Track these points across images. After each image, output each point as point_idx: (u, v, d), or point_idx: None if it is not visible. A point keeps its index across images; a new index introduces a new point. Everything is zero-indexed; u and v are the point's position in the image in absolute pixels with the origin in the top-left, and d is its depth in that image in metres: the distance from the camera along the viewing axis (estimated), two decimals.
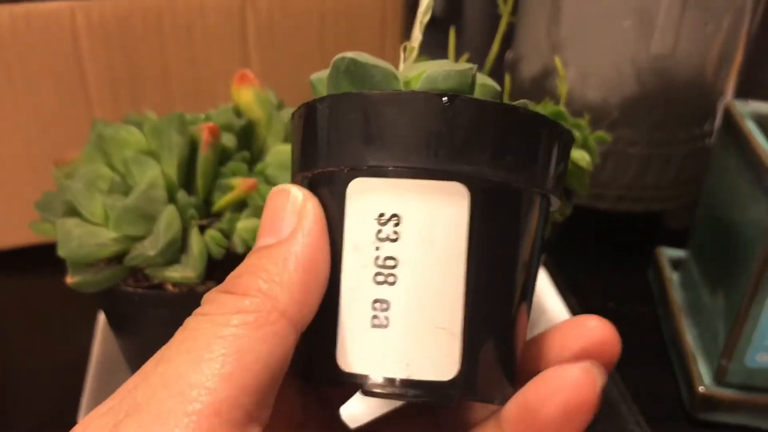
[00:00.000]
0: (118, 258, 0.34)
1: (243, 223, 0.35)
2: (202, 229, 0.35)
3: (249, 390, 0.17)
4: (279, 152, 0.37)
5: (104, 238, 0.33)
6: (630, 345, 0.49)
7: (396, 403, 0.24)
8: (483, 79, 0.21)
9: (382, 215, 0.18)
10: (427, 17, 0.22)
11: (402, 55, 0.22)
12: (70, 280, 0.34)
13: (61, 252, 0.33)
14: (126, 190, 0.34)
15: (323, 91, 0.21)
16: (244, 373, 0.17)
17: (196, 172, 0.35)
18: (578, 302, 0.50)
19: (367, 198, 0.19)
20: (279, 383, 0.18)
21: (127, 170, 0.35)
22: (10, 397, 0.43)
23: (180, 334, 0.18)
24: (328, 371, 0.19)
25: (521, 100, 0.20)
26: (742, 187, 0.42)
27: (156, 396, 0.16)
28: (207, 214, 0.36)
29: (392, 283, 0.18)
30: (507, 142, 0.18)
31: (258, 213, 0.35)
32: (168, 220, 0.33)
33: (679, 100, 0.54)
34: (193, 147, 0.35)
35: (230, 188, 0.35)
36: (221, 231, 0.35)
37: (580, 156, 0.36)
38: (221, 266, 0.35)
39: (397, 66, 0.21)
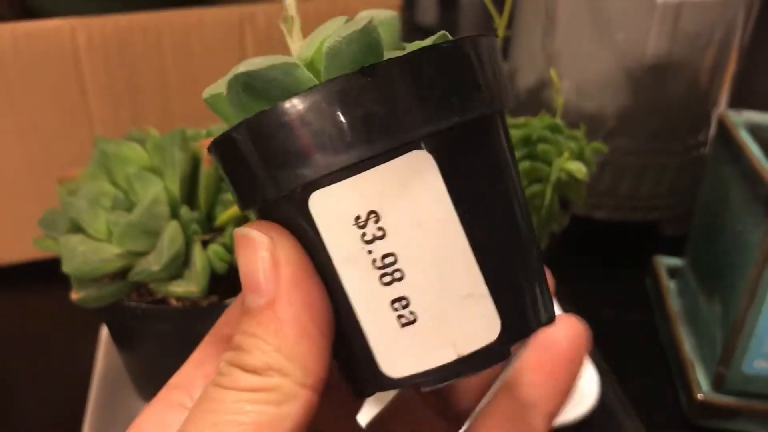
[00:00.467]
0: (121, 273, 0.35)
1: None
2: (205, 244, 0.35)
3: None
4: None
5: (108, 253, 0.34)
6: (628, 353, 0.50)
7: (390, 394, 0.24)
8: (378, 17, 0.19)
9: (358, 218, 0.17)
10: None
11: (284, 30, 0.20)
12: (74, 295, 0.34)
13: (66, 268, 0.34)
14: (129, 207, 0.35)
15: (224, 110, 0.19)
16: None
17: (199, 188, 0.36)
18: (576, 311, 0.51)
19: (334, 207, 0.17)
20: None
21: (130, 187, 0.35)
22: (14, 411, 0.43)
23: (197, 407, 0.18)
24: (380, 384, 0.18)
25: (436, 35, 0.19)
26: (736, 196, 0.43)
27: None
28: (209, 229, 0.36)
29: (401, 279, 0.17)
30: (442, 85, 0.17)
31: None
32: (171, 235, 0.33)
33: (673, 111, 0.54)
34: (195, 163, 0.36)
35: (232, 203, 0.35)
36: (224, 246, 0.35)
37: (576, 168, 0.37)
38: (224, 281, 0.35)
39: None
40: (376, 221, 0.17)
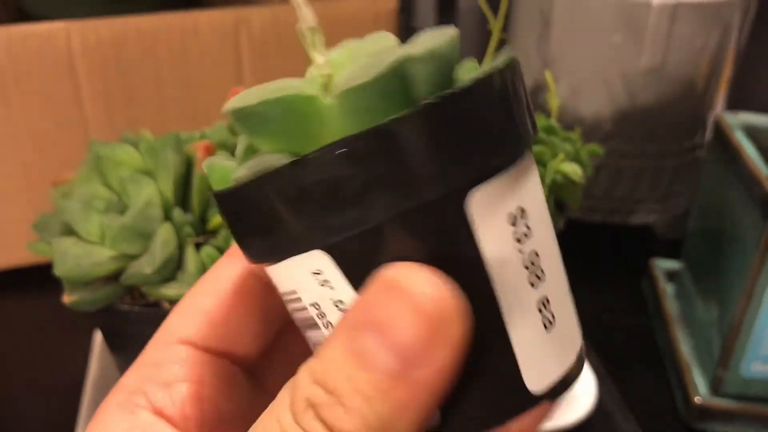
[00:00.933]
0: (114, 276, 0.34)
1: None
2: (198, 246, 0.35)
3: None
4: None
5: (101, 256, 0.34)
6: (625, 356, 0.50)
7: None
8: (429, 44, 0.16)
9: (510, 215, 0.16)
10: None
11: (306, 43, 0.17)
12: (67, 299, 0.34)
13: (58, 271, 0.34)
14: (122, 209, 0.35)
15: (254, 124, 0.17)
16: None
17: (192, 190, 0.35)
18: None
19: (494, 205, 0.16)
20: None
21: (123, 189, 0.35)
22: (7, 416, 0.43)
23: None
24: (523, 402, 0.17)
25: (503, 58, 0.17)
26: (733, 198, 0.43)
27: None
28: (203, 231, 0.36)
29: (541, 278, 0.17)
30: (524, 108, 0.17)
31: None
32: (164, 238, 0.33)
33: (669, 113, 0.54)
34: (188, 165, 0.35)
35: None
36: (217, 248, 0.35)
37: (571, 169, 0.37)
38: None
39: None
40: (523, 217, 0.16)
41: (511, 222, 0.16)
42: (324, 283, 0.16)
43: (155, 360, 0.20)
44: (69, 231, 0.35)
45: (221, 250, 0.35)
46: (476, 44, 0.64)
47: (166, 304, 0.34)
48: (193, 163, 0.35)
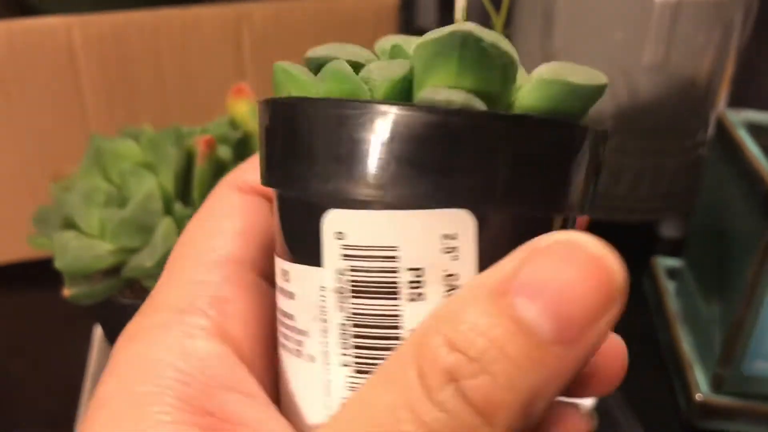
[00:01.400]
0: (114, 270, 0.34)
1: None
2: None
3: None
4: None
5: (101, 250, 0.34)
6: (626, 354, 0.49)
7: None
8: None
9: None
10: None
11: None
12: (67, 292, 0.34)
13: (58, 264, 0.34)
14: (122, 203, 0.35)
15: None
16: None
17: (193, 184, 0.35)
18: None
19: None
20: None
21: (123, 183, 0.35)
22: (7, 410, 0.43)
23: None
24: None
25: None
26: (735, 196, 0.42)
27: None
28: None
29: None
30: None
31: None
32: (164, 231, 0.33)
33: (671, 111, 0.54)
34: (189, 159, 0.35)
35: None
36: None
37: None
38: None
39: None
40: None
41: None
42: (450, 250, 0.15)
43: (199, 279, 0.17)
44: (69, 224, 0.35)
45: None
46: None
47: None
48: (193, 157, 0.35)
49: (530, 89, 0.16)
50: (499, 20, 0.43)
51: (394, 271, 0.15)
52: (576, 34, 0.53)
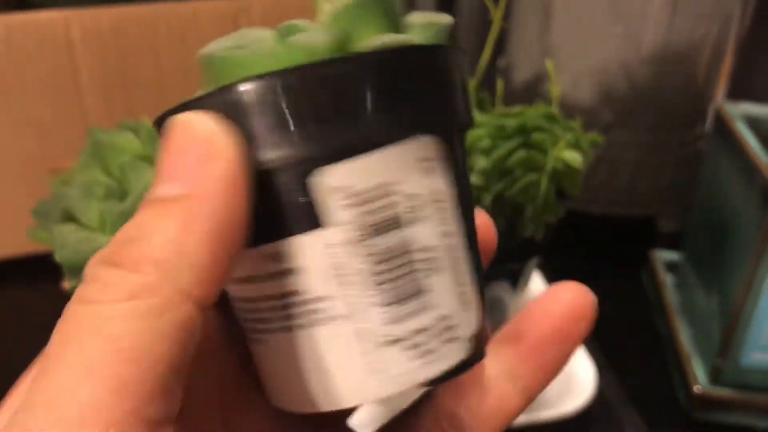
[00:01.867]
0: None
1: None
2: None
3: (151, 398, 0.13)
4: None
5: (101, 243, 0.34)
6: (626, 347, 0.50)
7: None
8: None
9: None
10: None
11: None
12: (67, 285, 0.34)
13: (58, 257, 0.33)
14: (122, 196, 0.34)
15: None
16: (143, 381, 0.13)
17: None
18: None
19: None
20: (186, 375, 0.15)
21: (123, 176, 0.35)
22: None
23: (59, 335, 0.14)
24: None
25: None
26: (734, 188, 0.43)
27: (38, 423, 0.13)
28: None
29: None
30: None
31: None
32: None
33: (670, 104, 0.54)
34: None
35: None
36: None
37: (572, 156, 0.36)
38: None
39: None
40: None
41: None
42: (430, 171, 0.17)
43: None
44: (69, 218, 0.35)
45: None
46: (477, 34, 0.64)
47: None
48: None
49: (417, 32, 0.18)
50: (497, 13, 0.43)
51: (393, 204, 0.16)
52: (574, 28, 0.53)
